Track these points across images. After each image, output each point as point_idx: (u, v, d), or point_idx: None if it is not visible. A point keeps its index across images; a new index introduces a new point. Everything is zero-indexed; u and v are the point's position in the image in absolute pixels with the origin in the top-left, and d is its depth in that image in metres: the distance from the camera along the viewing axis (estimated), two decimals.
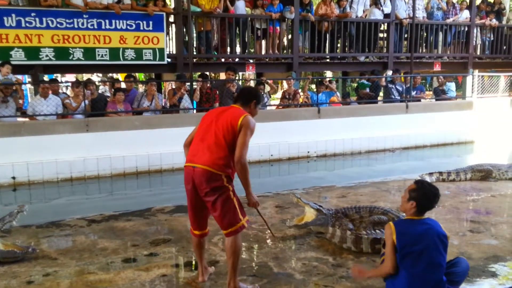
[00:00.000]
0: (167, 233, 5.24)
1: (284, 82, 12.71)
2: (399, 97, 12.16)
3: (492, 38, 14.69)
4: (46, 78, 10.85)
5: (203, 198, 3.68)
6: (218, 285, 3.91)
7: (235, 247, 3.65)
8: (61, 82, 11.91)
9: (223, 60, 11.84)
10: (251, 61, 12.01)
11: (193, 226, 3.88)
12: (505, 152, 11.64)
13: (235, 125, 3.64)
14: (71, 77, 14.85)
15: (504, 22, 15.10)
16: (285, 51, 12.60)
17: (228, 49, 11.85)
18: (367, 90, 12.14)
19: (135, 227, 5.47)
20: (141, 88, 15.53)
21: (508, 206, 6.16)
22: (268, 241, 4.95)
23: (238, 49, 12.16)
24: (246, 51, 12.02)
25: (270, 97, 12.00)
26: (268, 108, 11.36)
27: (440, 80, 13.28)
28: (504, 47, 14.96)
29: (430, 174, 7.56)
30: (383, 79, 12.27)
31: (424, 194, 3.37)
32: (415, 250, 3.24)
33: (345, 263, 4.31)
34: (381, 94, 12.88)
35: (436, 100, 13.02)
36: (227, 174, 3.65)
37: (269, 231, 4.90)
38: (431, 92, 15.13)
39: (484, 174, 7.59)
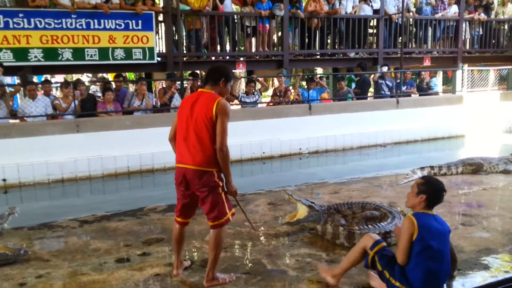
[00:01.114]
0: (160, 232, 5.21)
1: (275, 80, 12.71)
2: (389, 93, 12.20)
3: (481, 33, 14.78)
4: (35, 79, 10.77)
5: (194, 193, 3.77)
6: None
7: (219, 240, 3.76)
8: (50, 83, 11.81)
9: (213, 58, 11.81)
10: (242, 58, 11.99)
11: (177, 214, 3.96)
12: (496, 145, 11.75)
13: (210, 115, 3.63)
14: (60, 78, 14.74)
15: (492, 16, 15.20)
16: (275, 49, 12.59)
17: (218, 47, 11.82)
18: (353, 86, 12.15)
19: (128, 227, 5.43)
20: (132, 87, 15.46)
21: (499, 199, 6.20)
22: (262, 238, 4.94)
23: (228, 47, 12.13)
24: (236, 48, 12.00)
25: (261, 94, 11.98)
26: (260, 105, 11.35)
27: (422, 75, 13.35)
28: (493, 41, 15.06)
29: (422, 168, 7.58)
30: (376, 75, 12.31)
31: (433, 187, 3.46)
32: (433, 246, 3.32)
33: (339, 259, 4.30)
34: (371, 90, 12.93)
35: (420, 95, 13.08)
36: (218, 169, 3.71)
37: (250, 224, 4.77)
38: None
39: (475, 167, 7.63)
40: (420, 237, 3.30)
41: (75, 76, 15.96)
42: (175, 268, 4.08)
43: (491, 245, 4.54)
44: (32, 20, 9.44)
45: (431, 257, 3.32)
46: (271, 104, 11.55)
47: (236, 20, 11.70)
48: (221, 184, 3.74)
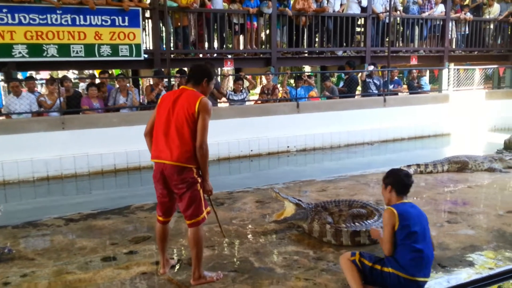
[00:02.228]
0: (147, 230, 5.19)
1: (263, 77, 12.70)
2: (376, 91, 12.27)
3: (467, 32, 14.93)
4: (19, 75, 10.62)
5: (172, 189, 3.76)
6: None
7: (197, 238, 3.75)
8: (35, 80, 11.65)
9: (201, 55, 11.76)
10: (229, 56, 11.96)
11: (159, 213, 3.97)
12: (481, 143, 11.89)
13: (193, 112, 3.64)
14: (45, 75, 14.57)
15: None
16: (263, 46, 12.57)
17: (206, 45, 11.78)
18: (341, 84, 12.20)
19: (114, 225, 5.40)
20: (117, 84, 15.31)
21: (484, 196, 6.27)
22: (249, 236, 4.94)
23: (216, 44, 12.08)
24: (224, 46, 11.96)
25: (249, 92, 11.96)
26: (247, 103, 11.33)
27: (412, 74, 13.46)
28: (479, 41, 15.20)
29: (408, 166, 7.66)
30: (364, 74, 12.37)
31: (395, 176, 3.64)
32: (416, 230, 3.44)
33: (326, 256, 4.32)
34: (359, 88, 12.99)
35: (410, 93, 13.19)
36: (197, 165, 3.71)
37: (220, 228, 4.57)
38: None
39: (460, 165, 7.72)
40: (402, 225, 3.43)
41: (60, 73, 15.78)
42: (161, 267, 4.07)
43: (476, 242, 4.59)
44: (16, 15, 9.28)
45: (416, 240, 3.43)
46: (259, 102, 11.54)
47: (224, 18, 11.65)
48: (199, 180, 3.74)
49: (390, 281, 3.43)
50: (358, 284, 3.45)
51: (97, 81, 10.64)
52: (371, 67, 12.53)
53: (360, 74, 12.58)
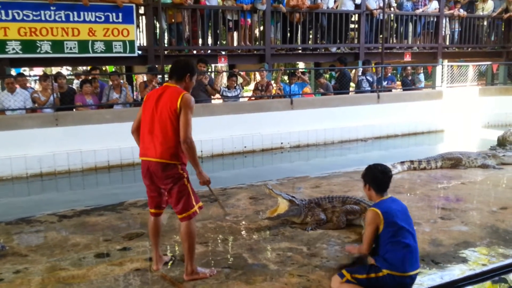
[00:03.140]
0: (140, 227, 5.19)
1: (257, 74, 12.67)
2: (369, 88, 12.29)
3: (459, 29, 14.97)
4: (13, 72, 10.54)
5: (159, 186, 3.85)
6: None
7: (189, 232, 3.79)
8: (29, 76, 11.55)
9: (194, 52, 11.71)
10: (223, 52, 11.92)
11: (150, 206, 4.05)
12: (474, 140, 11.94)
13: (174, 108, 3.68)
14: (39, 71, 14.46)
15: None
16: (257, 43, 12.55)
17: (200, 41, 11.74)
18: (323, 80, 12.18)
19: (108, 221, 5.39)
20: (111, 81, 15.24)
21: (478, 193, 6.30)
22: (243, 232, 4.94)
23: (210, 41, 12.05)
24: (218, 43, 11.92)
25: (243, 88, 11.95)
26: (241, 100, 11.32)
27: (407, 71, 13.49)
28: (473, 37, 15.25)
29: (402, 163, 7.68)
30: (357, 72, 12.37)
31: (371, 174, 3.63)
32: (403, 225, 3.45)
33: (320, 253, 4.33)
34: (352, 84, 13.00)
35: (404, 90, 13.22)
36: (181, 162, 3.76)
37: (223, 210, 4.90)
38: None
39: (454, 162, 7.75)
40: (388, 223, 3.43)
41: (54, 69, 15.69)
42: (154, 263, 4.08)
43: (469, 239, 4.61)
44: (10, 11, 9.20)
45: (404, 235, 3.44)
46: (253, 98, 11.53)
47: (218, 14, 11.61)
48: (185, 175, 3.79)
49: (387, 282, 3.44)
50: None
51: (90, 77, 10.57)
52: (360, 73, 12.47)
53: (353, 71, 12.58)
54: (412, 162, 7.75)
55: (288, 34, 12.47)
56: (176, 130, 3.69)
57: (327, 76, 13.64)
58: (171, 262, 4.21)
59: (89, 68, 10.78)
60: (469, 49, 15.46)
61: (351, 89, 12.90)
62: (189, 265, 3.84)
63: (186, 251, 3.82)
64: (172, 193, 3.79)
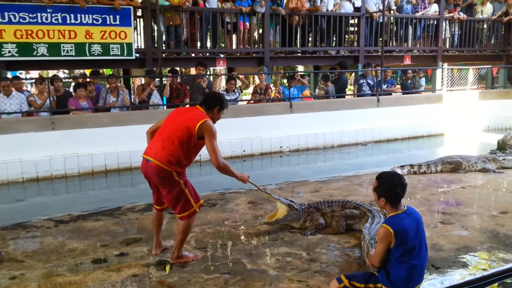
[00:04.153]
0: (138, 232, 5.16)
1: (256, 77, 12.64)
2: (370, 91, 12.25)
3: (459, 32, 14.97)
4: (9, 75, 10.49)
5: (156, 186, 4.11)
6: (187, 278, 3.82)
7: (186, 227, 4.12)
8: (25, 79, 11.50)
9: (193, 55, 11.68)
10: (222, 55, 11.89)
11: (153, 200, 4.34)
12: (474, 144, 11.92)
13: (192, 126, 3.96)
14: (35, 74, 14.43)
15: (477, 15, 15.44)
16: (256, 46, 12.52)
17: (198, 44, 11.70)
18: (329, 83, 12.13)
19: (105, 226, 5.36)
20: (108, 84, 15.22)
21: (478, 197, 6.27)
22: (242, 237, 4.90)
23: (208, 44, 12.01)
24: (217, 45, 11.89)
25: (242, 92, 11.90)
26: (240, 103, 11.28)
27: (408, 74, 13.47)
28: (473, 40, 15.25)
29: (402, 167, 7.66)
30: (353, 76, 12.33)
31: (386, 187, 3.42)
32: (414, 245, 3.33)
33: (319, 258, 4.29)
34: (351, 88, 12.96)
35: (404, 93, 13.19)
36: (177, 171, 3.98)
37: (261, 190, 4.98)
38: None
39: (454, 166, 7.72)
40: (399, 243, 3.30)
41: (51, 73, 15.64)
42: (154, 247, 4.46)
43: (469, 243, 4.59)
44: (6, 14, 9.13)
45: (412, 256, 3.34)
46: (252, 101, 11.49)
47: (216, 16, 11.57)
48: (182, 182, 4.01)
49: None
50: None
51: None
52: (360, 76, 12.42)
53: (352, 75, 12.55)
54: (412, 166, 7.72)
55: (287, 37, 12.45)
56: (183, 144, 3.96)
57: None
58: (171, 246, 4.47)
59: (86, 71, 10.71)
60: (469, 52, 15.45)
61: (350, 92, 12.86)
62: (176, 251, 4.19)
63: (178, 241, 4.16)
64: (169, 196, 4.02)
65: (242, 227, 5.21)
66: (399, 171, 7.49)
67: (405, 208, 3.46)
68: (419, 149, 11.68)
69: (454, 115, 12.80)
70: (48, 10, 9.44)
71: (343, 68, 12.23)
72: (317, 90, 13.24)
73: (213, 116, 4.19)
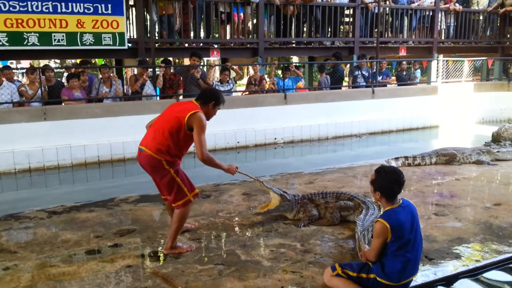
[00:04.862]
0: (132, 223, 5.13)
1: (250, 68, 12.58)
2: (365, 83, 12.23)
3: (455, 23, 14.95)
4: None
5: (150, 175, 4.24)
6: (181, 269, 3.81)
7: (182, 216, 4.18)
8: (16, 69, 11.35)
9: (186, 45, 11.58)
10: (216, 46, 11.79)
11: (160, 193, 4.48)
12: (469, 136, 11.96)
13: (182, 117, 4.06)
14: (26, 64, 14.25)
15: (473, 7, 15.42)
16: (250, 36, 12.44)
17: (192, 34, 11.60)
18: (324, 74, 12.09)
19: (98, 218, 5.33)
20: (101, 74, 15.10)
21: (472, 189, 6.28)
22: (236, 228, 4.89)
23: (202, 34, 11.91)
24: (210, 36, 11.80)
25: (236, 83, 11.84)
26: (234, 94, 11.23)
27: (402, 65, 13.45)
28: (468, 32, 15.25)
29: (396, 158, 7.65)
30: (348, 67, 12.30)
31: (383, 182, 3.41)
32: (409, 238, 3.35)
33: (313, 249, 4.29)
34: (346, 79, 12.94)
35: (399, 85, 13.18)
36: (167, 159, 4.08)
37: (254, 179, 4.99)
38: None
39: (448, 158, 7.73)
40: (395, 237, 3.32)
41: (42, 62, 15.48)
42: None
43: (463, 235, 4.59)
44: None
45: (407, 249, 3.36)
46: (246, 93, 11.44)
47: (210, 6, 11.46)
48: (172, 171, 4.11)
49: (377, 286, 3.40)
50: None
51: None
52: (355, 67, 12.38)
53: (347, 66, 12.51)
54: (406, 158, 7.72)
55: (282, 27, 12.38)
56: (173, 134, 4.06)
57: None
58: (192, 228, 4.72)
59: (78, 61, 10.58)
60: (465, 44, 15.44)
61: (345, 83, 12.83)
62: (169, 242, 4.21)
63: (172, 230, 4.20)
64: (162, 184, 4.17)
65: (236, 219, 5.20)
66: (393, 163, 7.49)
67: (401, 201, 3.46)
68: (413, 141, 11.71)
69: (449, 107, 12.83)
70: None
71: (338, 59, 12.18)
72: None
73: (208, 111, 4.26)
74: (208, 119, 4.30)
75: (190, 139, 4.13)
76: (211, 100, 4.27)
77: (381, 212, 3.57)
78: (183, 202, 4.14)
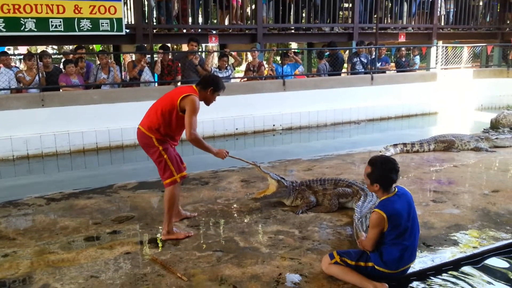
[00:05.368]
0: (130, 210, 5.14)
1: (249, 54, 12.50)
2: (363, 69, 12.17)
3: (454, 9, 14.85)
4: None
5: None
6: (180, 256, 3.82)
7: (170, 196, 4.31)
8: (13, 55, 11.27)
9: (184, 31, 11.50)
10: (214, 32, 11.71)
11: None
12: (468, 122, 11.96)
13: (175, 99, 4.23)
14: (23, 50, 14.15)
15: None
16: (248, 22, 12.35)
17: (190, 19, 11.50)
18: (323, 61, 12.03)
19: (97, 204, 5.33)
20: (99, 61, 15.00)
21: (470, 176, 6.29)
22: (235, 215, 4.90)
23: (200, 20, 11.81)
24: (209, 21, 11.70)
25: (234, 69, 11.79)
26: (232, 80, 11.18)
27: (401, 51, 13.39)
28: (468, 18, 15.14)
29: (395, 145, 7.65)
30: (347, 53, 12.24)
31: (381, 173, 3.41)
32: (407, 226, 3.36)
33: (311, 236, 4.30)
34: (345, 65, 12.88)
35: (398, 71, 13.14)
36: (157, 137, 4.26)
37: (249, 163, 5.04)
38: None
39: (447, 144, 7.73)
40: (392, 226, 3.33)
41: (39, 48, 15.36)
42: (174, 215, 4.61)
43: (460, 221, 4.60)
44: None
45: (404, 237, 3.37)
46: (245, 79, 11.38)
47: None
48: (161, 148, 4.26)
49: (374, 274, 3.42)
50: (361, 277, 3.40)
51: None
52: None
53: (346, 53, 12.45)
54: (405, 144, 7.72)
55: (281, 13, 12.28)
56: (165, 114, 4.23)
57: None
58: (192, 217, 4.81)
59: (74, 47, 10.50)
60: (464, 30, 15.35)
61: (344, 70, 12.78)
62: (165, 226, 4.30)
63: (165, 213, 4.32)
64: (153, 160, 4.34)
65: (235, 205, 5.20)
66: (392, 149, 7.50)
67: (396, 190, 3.46)
68: (412, 128, 11.70)
69: (448, 94, 12.79)
70: None
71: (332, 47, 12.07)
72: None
73: (207, 96, 4.38)
74: (207, 104, 4.48)
75: (183, 120, 4.25)
76: (210, 85, 4.36)
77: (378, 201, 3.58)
78: (170, 181, 4.28)
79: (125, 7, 10.60)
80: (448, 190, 5.62)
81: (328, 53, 12.39)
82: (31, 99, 8.57)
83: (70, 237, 4.38)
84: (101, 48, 14.26)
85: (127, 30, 10.46)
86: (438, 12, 14.57)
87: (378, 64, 12.44)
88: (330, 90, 11.29)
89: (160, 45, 11.15)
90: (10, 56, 9.94)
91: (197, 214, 4.82)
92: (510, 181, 5.99)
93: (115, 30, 10.13)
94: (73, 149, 8.71)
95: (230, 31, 12.06)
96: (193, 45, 10.18)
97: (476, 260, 3.90)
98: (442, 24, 15.07)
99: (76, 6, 9.66)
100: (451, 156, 7.39)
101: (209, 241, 4.22)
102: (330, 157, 7.51)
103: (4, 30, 9.21)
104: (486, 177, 6.19)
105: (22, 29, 9.33)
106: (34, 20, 9.38)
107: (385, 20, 14.04)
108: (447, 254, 3.92)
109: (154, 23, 10.85)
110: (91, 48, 13.87)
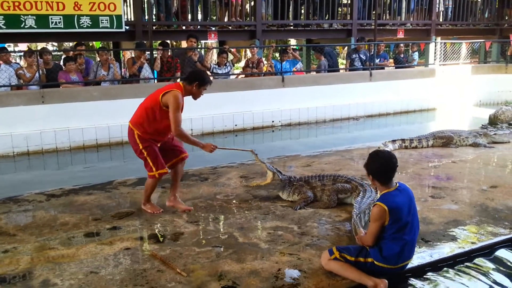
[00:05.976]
0: (130, 206, 5.14)
1: (248, 50, 12.50)
2: (362, 66, 12.18)
3: (453, 5, 14.84)
4: None
5: None
6: (179, 252, 3.85)
7: (148, 185, 4.79)
8: (13, 52, 11.28)
9: (184, 27, 11.50)
10: (213, 28, 11.71)
11: None
12: (466, 118, 11.97)
13: (157, 96, 4.48)
14: (24, 47, 14.16)
15: None
16: (248, 18, 12.34)
17: (189, 16, 11.50)
18: (322, 57, 12.03)
19: (97, 200, 5.34)
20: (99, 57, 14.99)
21: (468, 171, 6.31)
22: (234, 211, 4.91)
23: (199, 16, 11.81)
24: (208, 18, 11.70)
25: (234, 66, 11.79)
26: (232, 77, 11.18)
27: (400, 48, 13.39)
28: (466, 14, 15.13)
29: (393, 141, 7.67)
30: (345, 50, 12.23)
31: (375, 165, 3.44)
32: (408, 221, 3.39)
33: (310, 231, 4.32)
34: (344, 62, 12.89)
35: (396, 68, 13.15)
36: (138, 132, 4.56)
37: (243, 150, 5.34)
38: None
39: (445, 140, 7.75)
40: (393, 220, 3.34)
41: (39, 45, 15.35)
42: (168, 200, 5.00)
43: (459, 217, 4.62)
44: None
45: (405, 231, 3.39)
46: (244, 75, 11.39)
47: None
48: (141, 145, 4.57)
49: (374, 270, 3.43)
50: (360, 273, 3.42)
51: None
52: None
53: (344, 50, 12.45)
54: (403, 140, 7.74)
55: (280, 10, 12.27)
56: (147, 111, 4.49)
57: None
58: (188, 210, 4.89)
59: (74, 44, 10.51)
60: (463, 26, 15.34)
61: (342, 66, 12.78)
62: (143, 200, 4.90)
63: (143, 193, 4.88)
64: (136, 155, 4.70)
65: (234, 201, 5.22)
66: (390, 145, 7.52)
67: (397, 185, 3.48)
68: (411, 124, 11.71)
69: (446, 90, 12.80)
70: None
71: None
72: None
73: (193, 91, 4.56)
74: (195, 99, 4.69)
75: (167, 115, 4.44)
76: (196, 80, 4.52)
77: (378, 196, 3.60)
78: (151, 176, 4.66)
79: (125, 4, 10.60)
80: (446, 185, 5.64)
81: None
82: (31, 95, 8.58)
83: (70, 233, 4.39)
84: (101, 45, 14.26)
85: (127, 27, 10.47)
86: (437, 8, 14.56)
87: (377, 60, 12.44)
88: (329, 86, 11.30)
89: (159, 41, 11.14)
90: (10, 53, 9.94)
91: (192, 208, 4.92)
92: (509, 176, 6.01)
93: (114, 27, 10.14)
94: (73, 145, 8.73)
95: (230, 27, 12.06)
96: (192, 42, 10.18)
97: (473, 256, 3.92)
98: (441, 20, 15.06)
99: (76, 3, 9.67)
100: (449, 152, 7.41)
101: (208, 237, 4.23)
102: (329, 153, 7.53)
103: (4, 27, 9.22)
104: (485, 173, 6.21)
105: (22, 26, 9.35)
106: (34, 17, 9.38)
107: (384, 17, 14.05)
108: (445, 250, 3.94)
109: (154, 20, 10.85)
110: (91, 45, 13.85)
